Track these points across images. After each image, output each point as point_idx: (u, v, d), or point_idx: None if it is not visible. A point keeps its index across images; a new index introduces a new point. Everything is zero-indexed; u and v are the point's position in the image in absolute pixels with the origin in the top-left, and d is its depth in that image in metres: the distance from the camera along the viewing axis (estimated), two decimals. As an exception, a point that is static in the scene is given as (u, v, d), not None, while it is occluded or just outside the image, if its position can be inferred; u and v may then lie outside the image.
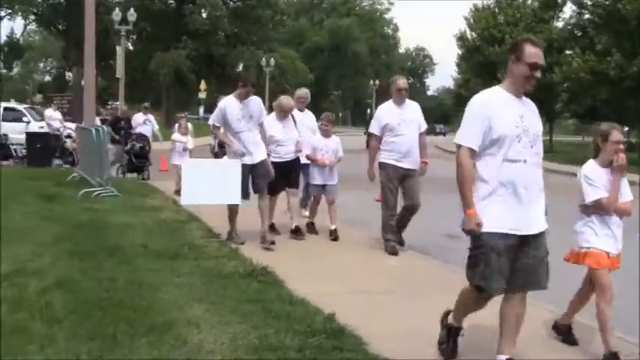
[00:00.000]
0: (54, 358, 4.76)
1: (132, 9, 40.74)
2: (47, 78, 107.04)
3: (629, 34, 35.97)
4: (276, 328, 5.57)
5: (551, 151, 43.35)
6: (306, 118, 11.47)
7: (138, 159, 19.50)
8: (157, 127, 21.43)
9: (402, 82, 9.80)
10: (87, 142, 16.21)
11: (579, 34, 44.65)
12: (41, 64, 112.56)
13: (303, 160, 10.73)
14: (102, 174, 14.53)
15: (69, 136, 22.44)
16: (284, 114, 10.33)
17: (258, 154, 9.50)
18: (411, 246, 10.14)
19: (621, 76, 35.88)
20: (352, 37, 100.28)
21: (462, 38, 61.45)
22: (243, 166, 9.32)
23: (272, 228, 10.41)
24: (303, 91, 11.83)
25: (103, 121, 24.01)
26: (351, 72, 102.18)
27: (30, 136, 22.06)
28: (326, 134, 10.83)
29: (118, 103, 38.59)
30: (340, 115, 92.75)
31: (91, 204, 12.60)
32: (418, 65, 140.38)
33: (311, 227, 10.92)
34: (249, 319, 5.83)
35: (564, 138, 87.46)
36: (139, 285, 6.80)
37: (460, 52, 64.07)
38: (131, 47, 65.60)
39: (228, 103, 9.59)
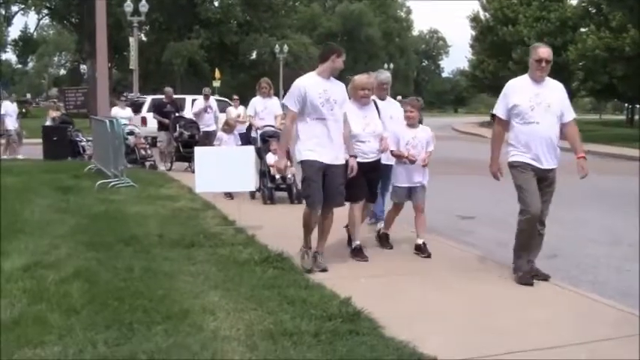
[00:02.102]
0: (72, 347, 4.79)
1: (143, 0, 40.72)
2: (62, 71, 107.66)
3: (644, 10, 35.60)
4: (292, 314, 5.59)
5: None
6: (391, 108, 9.19)
7: (185, 148, 17.80)
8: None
9: (543, 50, 7.27)
10: (101, 133, 16.26)
11: (593, 11, 44.29)
12: (55, 58, 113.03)
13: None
14: (117, 165, 14.59)
15: (131, 133, 20.21)
16: (365, 100, 8.20)
17: (340, 153, 7.50)
18: (429, 228, 10.11)
19: (637, 52, 35.58)
20: (365, 21, 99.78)
21: (475, 19, 61.21)
22: (315, 163, 7.33)
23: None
24: (385, 75, 9.29)
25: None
26: (364, 56, 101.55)
27: (46, 129, 22.14)
28: (412, 123, 8.73)
29: (132, 94, 38.66)
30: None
31: (108, 195, 12.67)
32: (432, 48, 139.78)
33: (384, 239, 8.94)
34: (265, 305, 5.85)
35: (581, 117, 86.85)
36: (155, 274, 6.84)
37: (474, 33, 63.77)
38: (144, 38, 65.77)
39: (310, 81, 7.46)
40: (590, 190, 14.96)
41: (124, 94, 41.17)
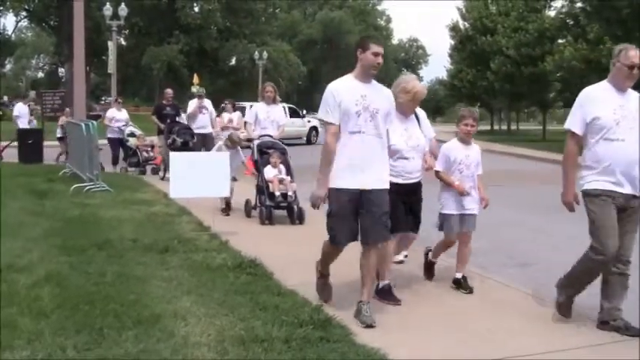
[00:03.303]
0: (40, 352, 4.76)
1: (123, 4, 40.60)
2: (40, 74, 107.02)
3: (621, 22, 35.91)
4: (264, 320, 5.59)
5: (544, 141, 43.46)
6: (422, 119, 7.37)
7: None
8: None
9: (636, 54, 5.85)
10: (77, 137, 16.18)
11: (571, 23, 44.59)
12: (34, 61, 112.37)
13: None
14: (92, 169, 14.52)
15: (132, 135, 19.77)
16: (410, 108, 6.84)
17: (384, 174, 6.11)
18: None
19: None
20: (345, 29, 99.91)
21: (454, 28, 61.46)
22: (345, 195, 5.96)
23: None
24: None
25: (95, 117, 23.65)
26: (344, 64, 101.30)
27: (21, 132, 21.98)
28: (468, 140, 7.23)
29: (110, 98, 38.49)
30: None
31: (82, 199, 12.61)
32: (412, 56, 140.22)
33: (430, 269, 7.73)
34: (237, 311, 5.85)
35: (558, 127, 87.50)
36: (128, 279, 6.82)
37: (453, 43, 64.07)
38: (123, 42, 65.62)
39: (345, 84, 6.10)
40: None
41: (102, 99, 40.98)
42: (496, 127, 71.94)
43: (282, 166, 11.52)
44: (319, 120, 6.26)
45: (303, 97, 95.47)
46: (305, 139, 39.99)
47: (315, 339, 5.20)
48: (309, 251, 8.39)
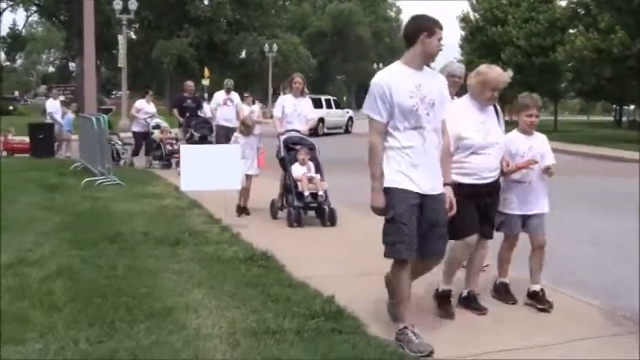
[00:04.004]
0: (53, 344, 4.78)
1: (133, -3, 40.57)
2: (51, 69, 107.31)
3: (633, 12, 35.67)
4: (275, 312, 5.59)
5: (555, 131, 43.28)
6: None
7: None
8: (241, 106, 16.76)
9: None
10: (88, 131, 16.22)
11: (582, 12, 44.34)
12: (44, 56, 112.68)
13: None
14: (104, 163, 14.55)
15: (157, 127, 19.10)
16: (489, 97, 5.99)
17: (440, 177, 5.34)
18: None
19: (625, 54, 35.70)
20: (355, 20, 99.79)
21: (465, 19, 61.20)
22: (410, 196, 5.11)
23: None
24: (456, 67, 7.09)
25: (106, 111, 23.51)
26: (354, 56, 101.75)
27: (32, 126, 22.04)
28: (530, 130, 6.47)
29: (121, 92, 38.54)
30: (345, 98, 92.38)
31: (94, 193, 12.64)
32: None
33: (503, 291, 6.61)
34: (248, 303, 5.85)
35: (569, 118, 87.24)
36: (139, 272, 6.84)
37: (463, 34, 63.84)
38: (133, 36, 65.65)
39: (396, 74, 5.22)
40: (574, 190, 15.05)
41: (113, 93, 41.10)
42: (507, 118, 71.71)
43: (310, 163, 10.75)
44: (366, 112, 5.24)
45: (314, 90, 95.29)
46: (343, 128, 44.31)
47: (327, 330, 5.20)
48: (318, 245, 8.42)
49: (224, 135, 16.02)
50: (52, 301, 5.79)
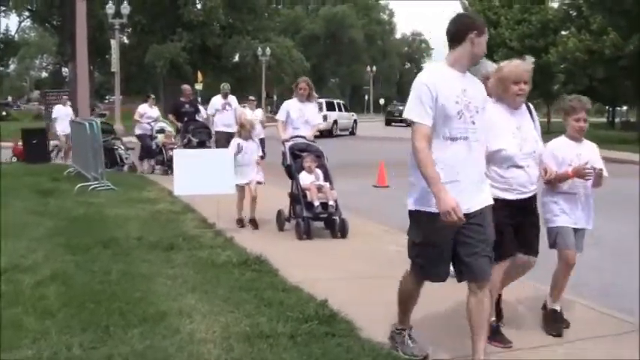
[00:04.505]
0: (46, 350, 4.78)
1: (125, 2, 40.58)
2: (44, 74, 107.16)
3: (625, 12, 35.82)
4: (269, 316, 5.60)
5: (548, 133, 43.37)
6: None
7: None
8: (240, 110, 16.54)
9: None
10: (81, 136, 16.19)
11: (574, 14, 44.51)
12: (37, 61, 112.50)
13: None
14: (97, 168, 14.54)
15: (162, 131, 18.60)
16: (520, 100, 5.35)
17: (484, 192, 4.79)
18: (406, 229, 10.13)
19: (617, 55, 35.83)
20: (348, 23, 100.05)
21: (457, 22, 61.31)
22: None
23: None
24: (489, 66, 5.70)
25: (100, 116, 23.30)
26: (347, 59, 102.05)
27: (26, 132, 21.99)
28: (579, 137, 5.82)
29: (114, 97, 38.54)
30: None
31: (87, 198, 12.62)
32: (415, 50, 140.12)
33: (554, 318, 5.81)
34: (242, 307, 5.86)
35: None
36: (133, 277, 6.84)
37: (456, 36, 63.93)
38: (126, 41, 65.61)
39: (442, 75, 4.67)
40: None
41: (106, 97, 41.08)
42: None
43: (318, 171, 10.11)
44: (409, 117, 4.62)
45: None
46: (349, 130, 47.20)
47: (321, 334, 5.21)
48: (312, 249, 8.43)
49: (225, 140, 15.62)
50: (46, 306, 5.79)
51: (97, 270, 7.05)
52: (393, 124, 67.27)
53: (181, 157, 10.12)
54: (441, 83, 4.55)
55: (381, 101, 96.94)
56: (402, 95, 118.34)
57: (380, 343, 5.12)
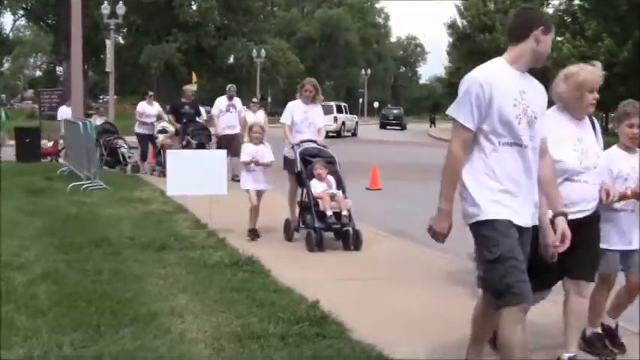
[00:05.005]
0: (37, 349, 4.77)
1: (121, 2, 40.56)
2: (38, 73, 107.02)
3: (620, 19, 36.02)
4: (260, 317, 5.61)
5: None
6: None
7: None
8: (243, 114, 16.09)
9: None
10: (75, 135, 16.18)
11: (569, 20, 44.72)
12: (31, 59, 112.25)
13: None
14: (90, 167, 14.54)
15: (164, 131, 17.94)
16: (590, 103, 4.82)
17: (536, 207, 4.30)
18: (398, 232, 10.18)
19: (612, 61, 35.98)
20: (343, 27, 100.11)
21: (452, 26, 61.55)
22: (511, 230, 4.06)
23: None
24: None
25: (88, 116, 23.08)
26: (342, 62, 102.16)
27: (19, 130, 21.94)
28: (631, 144, 5.22)
29: (108, 96, 38.54)
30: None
31: (79, 197, 12.60)
32: (410, 54, 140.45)
33: (597, 339, 5.34)
34: (233, 308, 5.87)
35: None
36: (125, 276, 6.84)
37: (451, 40, 64.16)
38: (122, 41, 65.66)
39: (500, 72, 4.16)
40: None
41: (100, 97, 41.01)
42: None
43: (330, 178, 9.44)
44: (458, 119, 4.11)
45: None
46: (352, 132, 49.74)
47: (312, 335, 5.21)
48: (303, 250, 8.45)
49: (228, 142, 15.54)
50: (37, 305, 5.78)
51: (89, 269, 7.05)
52: (388, 127, 67.53)
53: (174, 157, 10.14)
54: (498, 83, 4.06)
55: (376, 104, 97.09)
56: (396, 99, 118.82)
57: (370, 344, 5.11)
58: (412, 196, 14.92)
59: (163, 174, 16.16)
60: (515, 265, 3.98)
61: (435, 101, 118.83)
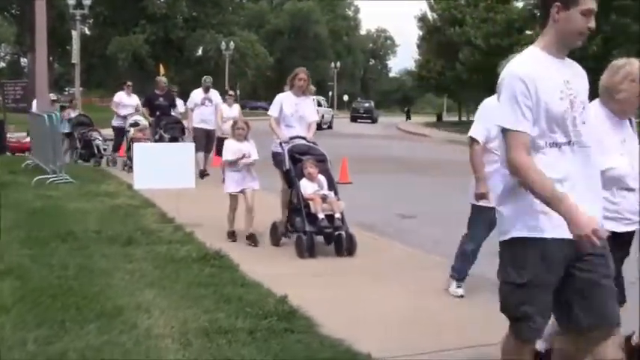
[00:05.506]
0: (0, 346, 4.72)
1: (87, -8, 40.16)
2: (2, 64, 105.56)
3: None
4: (228, 312, 5.60)
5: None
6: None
7: None
8: (222, 108, 15.51)
9: None
10: (40, 128, 16.01)
11: (539, 13, 45.11)
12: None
13: None
14: (55, 161, 14.40)
15: (135, 124, 17.03)
16: (633, 107, 4.36)
17: (599, 211, 3.69)
18: (368, 227, 10.20)
19: (581, 55, 36.31)
20: (313, 19, 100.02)
21: (423, 19, 61.77)
22: (558, 244, 3.49)
23: None
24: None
25: (61, 108, 22.74)
26: (312, 54, 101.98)
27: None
28: None
29: (74, 89, 38.18)
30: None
31: (45, 191, 12.47)
32: (380, 47, 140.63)
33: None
34: (201, 303, 5.85)
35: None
36: (91, 271, 6.79)
37: (421, 33, 64.37)
38: (88, 32, 65.06)
39: (535, 66, 3.56)
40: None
41: (66, 89, 40.63)
42: (464, 119, 72.37)
43: (321, 178, 8.84)
44: (499, 126, 3.56)
45: (271, 89, 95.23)
46: (328, 125, 49.47)
47: (280, 330, 5.22)
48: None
49: (202, 138, 15.31)
50: (0, 301, 5.72)
51: (54, 264, 6.98)
52: (359, 120, 67.66)
53: (141, 150, 10.09)
54: (539, 74, 3.48)
55: (345, 97, 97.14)
56: (366, 92, 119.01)
57: (339, 339, 5.13)
58: (383, 190, 14.99)
59: (132, 169, 16.12)
60: (539, 296, 3.53)
61: (405, 94, 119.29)
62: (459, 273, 6.76)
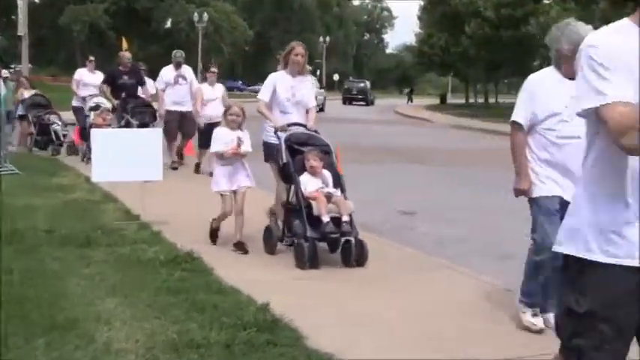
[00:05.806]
0: None
1: (36, -45, 40.08)
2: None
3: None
4: (201, 322, 5.57)
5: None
6: None
7: None
8: (196, 85, 15.34)
9: None
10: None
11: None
12: None
13: None
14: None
15: (96, 107, 16.18)
16: None
17: None
18: (363, 225, 10.17)
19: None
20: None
21: (424, -14, 61.78)
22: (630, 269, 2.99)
23: None
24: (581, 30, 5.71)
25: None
26: (297, 27, 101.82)
27: None
28: None
29: (21, 65, 37.99)
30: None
31: (-14, 184, 12.42)
32: (375, 19, 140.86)
33: None
34: (169, 312, 5.83)
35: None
36: (40, 276, 6.75)
37: (422, 3, 64.44)
38: (37, 0, 64.74)
39: (619, 37, 2.99)
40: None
41: (12, 66, 40.37)
42: (472, 100, 72.57)
43: (326, 173, 8.40)
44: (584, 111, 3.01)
45: (250, 65, 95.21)
46: (320, 107, 49.54)
47: (261, 343, 5.20)
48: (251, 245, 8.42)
49: (177, 121, 15.07)
50: None
51: (-3, 269, 6.95)
52: (354, 102, 67.77)
53: (101, 137, 10.01)
54: (625, 43, 2.99)
55: (336, 77, 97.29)
56: (359, 71, 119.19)
57: (328, 353, 5.11)
58: (379, 183, 14.98)
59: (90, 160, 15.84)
60: (600, 328, 3.08)
61: (404, 73, 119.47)
62: (529, 297, 6.07)
